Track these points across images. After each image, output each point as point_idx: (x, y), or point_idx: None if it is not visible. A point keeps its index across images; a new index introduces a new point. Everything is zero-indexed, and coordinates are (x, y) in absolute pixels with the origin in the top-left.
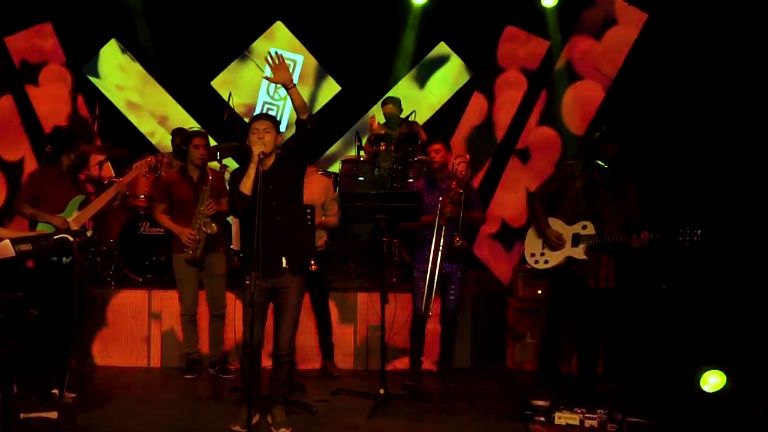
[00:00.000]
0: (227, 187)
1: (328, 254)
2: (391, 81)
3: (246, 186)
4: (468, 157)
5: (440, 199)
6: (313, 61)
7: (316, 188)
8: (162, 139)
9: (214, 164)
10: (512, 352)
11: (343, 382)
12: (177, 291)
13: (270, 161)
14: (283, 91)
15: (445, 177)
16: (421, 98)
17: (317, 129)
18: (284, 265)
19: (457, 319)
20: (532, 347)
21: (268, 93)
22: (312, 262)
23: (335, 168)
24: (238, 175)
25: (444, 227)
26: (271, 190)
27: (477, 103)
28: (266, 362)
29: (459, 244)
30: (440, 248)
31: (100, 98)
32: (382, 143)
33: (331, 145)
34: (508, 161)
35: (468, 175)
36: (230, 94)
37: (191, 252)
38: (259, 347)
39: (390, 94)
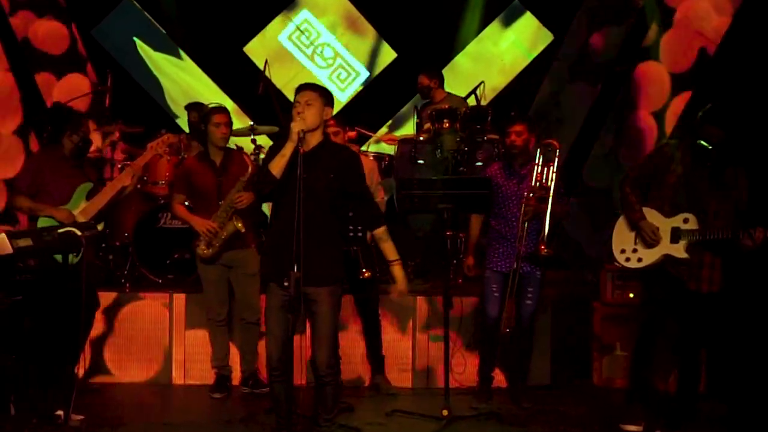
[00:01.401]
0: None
1: (376, 251)
2: (460, 42)
3: (277, 166)
4: (558, 144)
5: (526, 194)
6: (367, 27)
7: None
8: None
9: (248, 146)
10: (599, 366)
11: (399, 401)
12: (203, 294)
13: (313, 141)
14: (330, 52)
15: (525, 162)
16: (491, 66)
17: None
18: (294, 270)
19: (535, 328)
20: (623, 360)
21: (315, 62)
22: (364, 269)
23: (386, 149)
24: (272, 153)
25: (527, 224)
26: (304, 179)
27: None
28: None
29: (545, 252)
30: (521, 248)
31: (113, 67)
32: (445, 120)
33: (386, 122)
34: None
35: (556, 168)
36: (266, 61)
37: (204, 246)
38: (289, 362)
39: (458, 59)
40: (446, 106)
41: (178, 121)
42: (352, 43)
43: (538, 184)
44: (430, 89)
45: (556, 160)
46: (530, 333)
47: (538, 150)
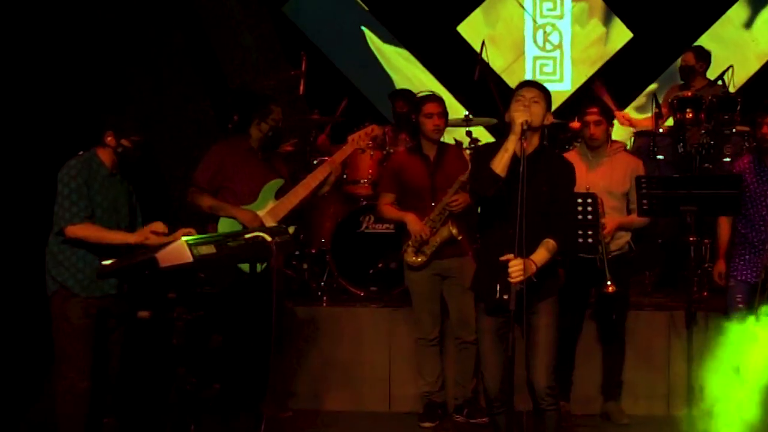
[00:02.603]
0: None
1: (632, 262)
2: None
3: (500, 162)
4: None
5: None
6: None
7: (620, 169)
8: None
9: (464, 140)
10: None
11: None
12: (412, 308)
13: (535, 141)
14: (556, 37)
15: None
16: (740, 49)
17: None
18: (497, 294)
19: None
20: None
21: (536, 43)
22: (609, 283)
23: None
24: (487, 150)
25: None
26: (529, 181)
27: None
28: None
29: None
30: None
31: (307, 48)
32: (688, 109)
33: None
34: None
35: None
36: (483, 43)
37: (412, 253)
38: (510, 390)
39: (702, 41)
40: (689, 93)
41: (382, 110)
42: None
43: None
44: (693, 72)
45: None
46: None
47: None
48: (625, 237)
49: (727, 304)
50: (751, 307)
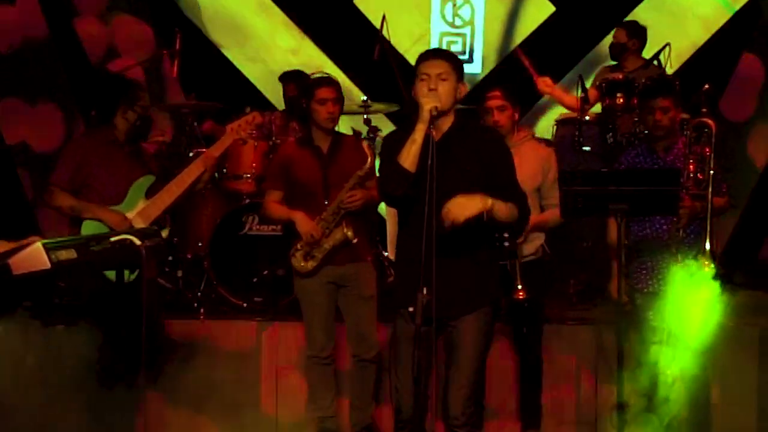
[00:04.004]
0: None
1: (547, 268)
2: None
3: (408, 156)
4: (714, 124)
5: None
6: None
7: (530, 162)
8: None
9: (362, 128)
10: None
11: None
12: (302, 321)
13: (446, 124)
14: (467, 12)
15: (669, 147)
16: (679, 21)
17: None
18: (424, 294)
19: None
20: None
21: (444, 18)
22: (519, 287)
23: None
24: (394, 142)
25: (681, 231)
26: (442, 171)
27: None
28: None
29: (708, 270)
30: None
31: (181, 26)
32: (619, 94)
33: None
34: None
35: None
36: (384, 18)
37: (302, 257)
38: (423, 413)
39: (638, 14)
40: (620, 76)
41: (268, 95)
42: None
43: (691, 177)
44: (625, 50)
45: (713, 144)
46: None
47: (686, 133)
48: (539, 239)
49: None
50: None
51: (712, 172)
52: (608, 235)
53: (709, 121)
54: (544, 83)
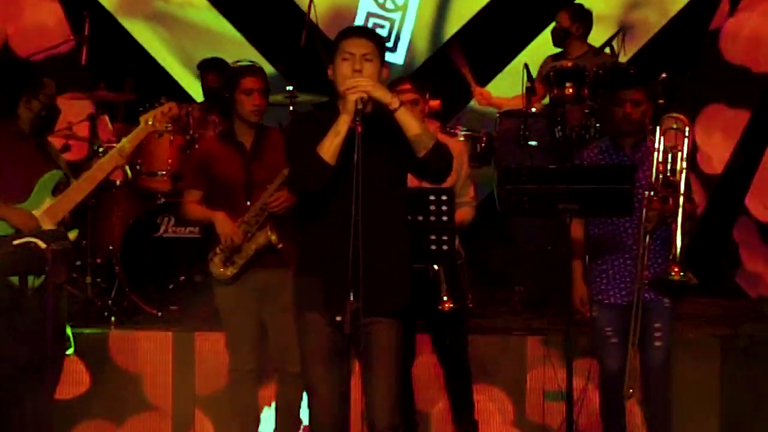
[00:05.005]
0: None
1: (464, 272)
2: None
3: (330, 149)
4: (687, 120)
5: (647, 194)
6: None
7: None
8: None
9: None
10: None
11: None
12: (222, 332)
13: (365, 111)
14: None
15: (637, 143)
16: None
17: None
18: (351, 299)
19: (670, 380)
20: None
21: None
22: (445, 298)
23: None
24: (308, 128)
25: (648, 236)
26: (366, 163)
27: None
28: None
29: (678, 278)
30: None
31: (91, 8)
32: (568, 84)
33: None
34: None
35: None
36: (311, 0)
37: (221, 262)
38: (344, 425)
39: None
40: (569, 64)
41: (185, 85)
42: None
43: (661, 177)
44: (568, 35)
45: (686, 142)
46: (664, 387)
47: (658, 128)
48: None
49: (594, 337)
50: (624, 337)
51: (684, 173)
52: (571, 235)
53: (683, 117)
54: (481, 96)
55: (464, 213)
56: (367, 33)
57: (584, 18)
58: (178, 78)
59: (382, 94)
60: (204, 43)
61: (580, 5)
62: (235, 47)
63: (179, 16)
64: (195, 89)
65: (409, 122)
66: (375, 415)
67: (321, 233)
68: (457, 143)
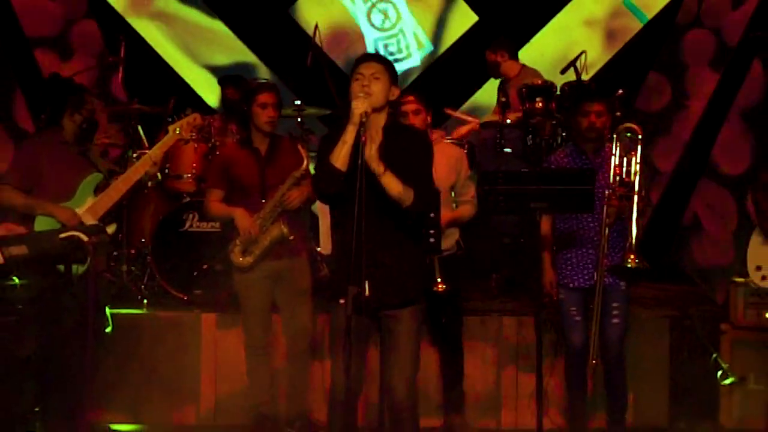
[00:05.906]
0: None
1: (462, 262)
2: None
3: (339, 156)
4: (640, 130)
5: (607, 192)
6: None
7: (442, 163)
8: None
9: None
10: (728, 403)
11: None
12: (240, 314)
13: (381, 119)
14: (393, 12)
15: (598, 149)
16: (595, 31)
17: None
18: (366, 293)
19: (625, 353)
20: (759, 397)
21: (372, 24)
22: (439, 280)
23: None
24: (329, 142)
25: (608, 229)
26: (369, 172)
27: None
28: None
29: (633, 265)
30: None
31: (126, 32)
32: (538, 99)
33: (467, 99)
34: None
35: (639, 158)
36: (316, 26)
37: (240, 252)
38: (356, 396)
39: (556, 23)
40: (540, 81)
41: (206, 98)
42: (417, 8)
43: (618, 178)
44: (497, 65)
45: (639, 148)
46: (621, 360)
47: (615, 137)
48: (454, 235)
49: (562, 317)
50: (587, 316)
51: (638, 175)
52: (540, 229)
53: (636, 127)
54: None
55: (464, 210)
56: (375, 57)
57: (502, 44)
58: (199, 92)
59: (371, 160)
60: (229, 65)
61: (496, 39)
62: (252, 68)
63: (206, 40)
64: (214, 102)
65: (391, 185)
66: (395, 384)
67: (343, 233)
68: (458, 150)
